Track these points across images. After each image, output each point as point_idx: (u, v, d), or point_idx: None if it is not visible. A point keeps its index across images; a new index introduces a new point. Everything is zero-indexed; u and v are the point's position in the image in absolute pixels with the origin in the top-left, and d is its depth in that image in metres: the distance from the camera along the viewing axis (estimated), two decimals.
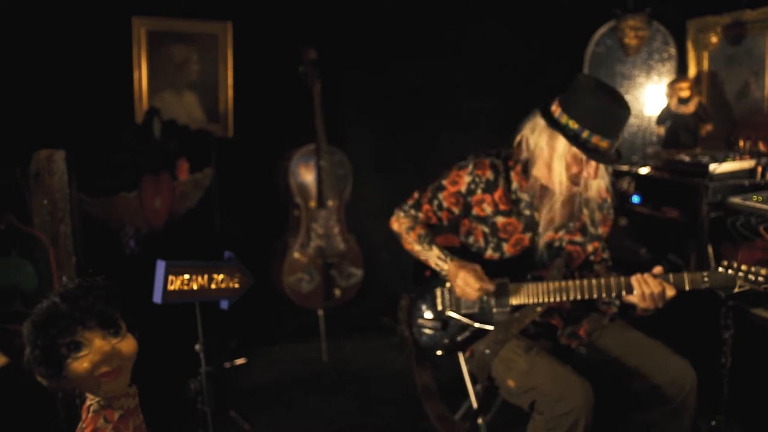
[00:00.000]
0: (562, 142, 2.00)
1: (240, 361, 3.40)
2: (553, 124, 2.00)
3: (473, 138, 3.77)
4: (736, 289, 1.94)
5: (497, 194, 2.14)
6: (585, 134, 1.96)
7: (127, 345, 1.06)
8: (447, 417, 2.30)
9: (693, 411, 2.09)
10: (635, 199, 3.23)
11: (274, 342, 3.69)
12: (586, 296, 2.03)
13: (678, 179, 2.99)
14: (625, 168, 3.35)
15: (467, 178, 2.16)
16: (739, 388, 2.51)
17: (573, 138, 1.97)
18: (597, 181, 2.11)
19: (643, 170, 3.23)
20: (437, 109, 3.98)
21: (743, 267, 1.92)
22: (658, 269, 2.00)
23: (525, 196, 2.14)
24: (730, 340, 2.46)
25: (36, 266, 2.41)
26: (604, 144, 1.97)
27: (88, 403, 1.07)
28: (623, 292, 2.01)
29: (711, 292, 2.53)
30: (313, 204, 3.56)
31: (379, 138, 4.01)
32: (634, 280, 1.98)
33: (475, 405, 2.29)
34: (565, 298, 2.05)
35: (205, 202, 3.40)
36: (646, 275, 1.98)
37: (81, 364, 1.01)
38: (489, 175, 2.14)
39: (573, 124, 1.97)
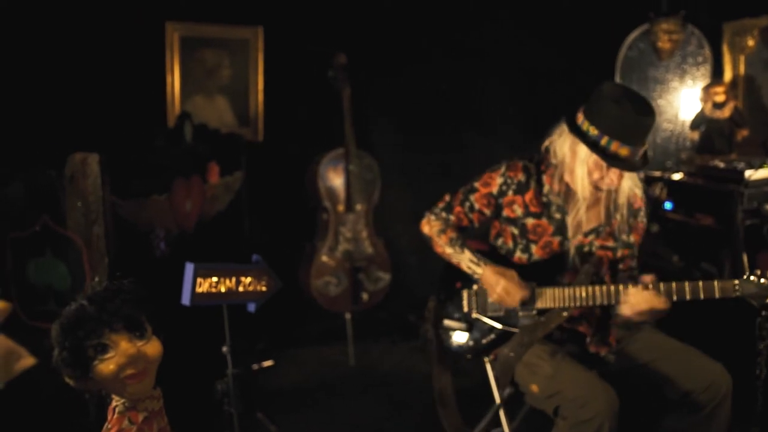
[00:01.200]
0: (583, 149, 2.01)
1: (267, 364, 3.43)
2: (575, 130, 2.02)
3: (501, 142, 3.76)
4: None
5: (528, 196, 2.15)
6: (604, 141, 1.97)
7: (153, 348, 1.08)
8: (461, 426, 2.30)
9: (728, 417, 2.04)
10: (668, 205, 3.18)
11: (301, 345, 3.71)
12: (600, 302, 2.02)
13: (712, 185, 2.94)
14: (657, 174, 3.29)
15: (499, 180, 2.18)
16: None
17: (593, 145, 1.98)
18: (629, 188, 2.10)
19: (676, 176, 3.17)
20: (465, 114, 3.97)
21: None
22: (648, 278, 1.97)
23: (556, 200, 2.13)
24: (766, 351, 2.40)
25: (69, 267, 2.47)
26: (624, 151, 1.96)
27: (113, 404, 1.09)
28: (612, 301, 2.00)
29: (745, 302, 2.48)
30: (341, 208, 3.58)
31: (407, 142, 4.01)
32: (626, 294, 1.96)
33: (502, 414, 2.27)
34: (591, 304, 2.03)
35: (234, 205, 3.44)
36: (641, 288, 1.95)
37: (107, 366, 1.03)
38: (521, 176, 2.15)
39: (593, 131, 1.98)
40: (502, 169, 2.18)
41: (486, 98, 3.97)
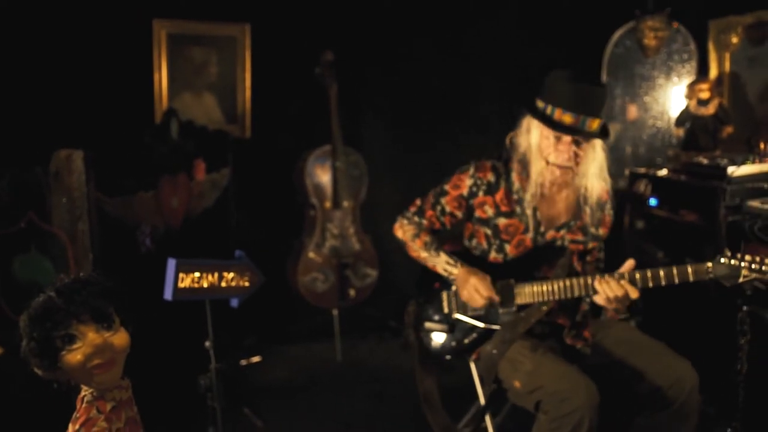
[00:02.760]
0: (534, 125, 2.07)
1: (255, 359, 3.45)
2: (527, 107, 2.09)
3: (490, 139, 3.75)
4: (741, 279, 1.90)
5: (498, 196, 2.17)
6: (549, 110, 2.04)
7: (120, 339, 1.10)
8: (448, 424, 2.32)
9: (696, 414, 2.07)
10: (652, 202, 3.20)
11: (289, 341, 3.73)
12: (577, 294, 2.04)
13: (695, 182, 2.95)
14: (642, 170, 3.31)
15: (469, 181, 2.19)
16: (755, 394, 2.47)
17: (541, 116, 2.04)
18: (599, 181, 2.11)
19: (661, 173, 3.19)
20: (453, 111, 3.98)
21: (747, 257, 1.90)
22: (629, 264, 1.99)
23: (526, 197, 2.15)
24: (746, 346, 2.42)
25: (54, 262, 2.48)
26: (567, 118, 2.01)
27: (82, 394, 1.11)
28: (590, 293, 2.02)
29: (726, 298, 2.50)
30: (328, 204, 3.59)
31: (396, 139, 4.03)
32: (597, 282, 1.98)
33: (486, 411, 2.29)
34: (569, 296, 2.05)
35: (222, 202, 3.45)
36: (608, 277, 1.97)
37: (74, 356, 1.05)
38: (490, 177, 2.17)
39: (540, 104, 2.06)
40: (471, 170, 2.20)
41: (475, 95, 3.98)
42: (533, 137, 2.08)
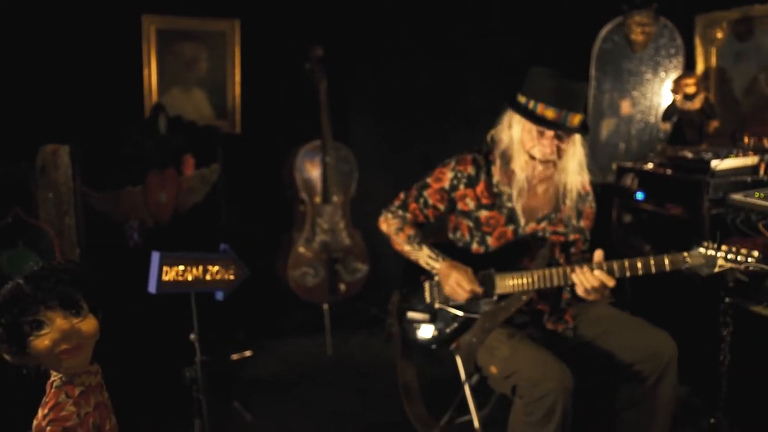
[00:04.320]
0: (517, 120, 2.09)
1: (245, 354, 3.46)
2: (510, 103, 2.12)
3: (479, 134, 3.76)
4: (717, 269, 1.92)
5: (479, 188, 2.20)
6: (531, 104, 2.06)
7: (88, 325, 1.12)
8: (425, 418, 2.35)
9: (675, 387, 2.10)
10: (639, 195, 3.22)
11: (280, 335, 3.75)
12: (556, 284, 2.06)
13: (681, 176, 2.97)
14: (629, 164, 3.33)
15: (450, 174, 2.23)
16: (738, 385, 2.50)
17: (523, 111, 2.07)
18: (579, 173, 2.14)
19: (647, 166, 3.21)
20: (443, 106, 4.00)
21: (724, 247, 1.92)
22: (598, 255, 2.01)
23: (507, 190, 2.17)
24: (729, 338, 2.44)
25: (42, 257, 2.48)
26: (549, 113, 2.04)
27: (51, 379, 1.13)
28: (569, 283, 2.04)
29: (710, 290, 2.52)
30: (318, 199, 3.61)
31: (386, 134, 4.04)
32: (575, 274, 2.00)
33: (469, 397, 2.31)
34: (548, 285, 2.08)
35: (211, 196, 3.47)
36: (585, 268, 1.99)
37: (42, 341, 1.07)
38: (470, 170, 2.20)
39: (523, 99, 2.09)
40: (452, 164, 2.24)
41: (463, 90, 4.00)
42: (515, 132, 2.11)
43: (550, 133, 2.06)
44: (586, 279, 1.97)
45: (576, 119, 2.06)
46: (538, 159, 2.09)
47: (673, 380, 2.09)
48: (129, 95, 3.53)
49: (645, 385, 2.07)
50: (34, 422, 1.13)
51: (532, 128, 2.06)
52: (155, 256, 2.02)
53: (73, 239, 2.45)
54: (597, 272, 1.96)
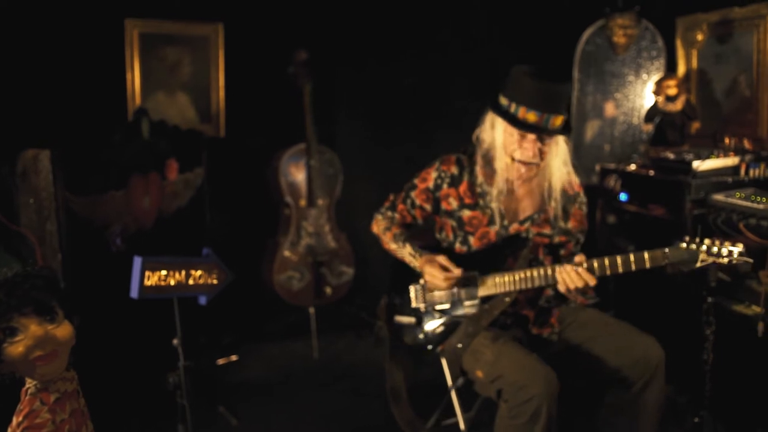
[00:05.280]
0: (499, 122, 2.09)
1: (231, 358, 3.45)
2: (492, 106, 2.12)
3: (464, 136, 3.78)
4: (698, 264, 1.92)
5: (462, 188, 2.21)
6: (513, 108, 2.06)
7: (63, 331, 1.11)
8: (413, 421, 2.35)
9: (662, 393, 2.10)
10: (623, 196, 3.24)
11: (266, 339, 3.74)
12: (538, 284, 2.06)
13: (663, 177, 3.00)
14: (612, 166, 3.36)
15: (434, 174, 2.25)
16: (722, 384, 2.52)
17: (504, 114, 2.06)
18: (562, 173, 2.15)
19: (630, 168, 3.23)
20: (428, 108, 4.01)
21: (706, 241, 1.92)
22: (579, 258, 2.01)
23: (490, 190, 2.18)
24: (712, 337, 2.46)
25: (23, 263, 2.45)
26: (531, 116, 2.03)
27: (26, 386, 1.12)
28: (550, 282, 2.05)
29: (693, 290, 2.54)
30: (303, 203, 3.60)
31: (371, 137, 4.05)
32: (557, 272, 2.01)
33: (455, 400, 2.32)
34: (531, 286, 2.08)
35: (196, 201, 3.45)
36: (568, 267, 1.99)
37: (16, 348, 1.06)
38: (454, 170, 2.21)
39: (504, 102, 2.08)
40: (437, 164, 2.26)
41: (448, 92, 4.01)
42: (497, 134, 2.11)
43: (531, 136, 2.06)
44: (569, 278, 1.97)
45: (558, 120, 2.06)
46: (521, 161, 2.10)
47: (661, 385, 2.09)
48: (112, 100, 3.51)
49: (632, 390, 2.08)
50: (9, 430, 1.12)
51: (514, 131, 2.07)
52: (137, 262, 2.01)
53: (54, 245, 2.42)
54: (580, 270, 1.97)
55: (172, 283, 2.09)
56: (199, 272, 2.16)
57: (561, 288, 2.02)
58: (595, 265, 1.99)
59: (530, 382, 1.91)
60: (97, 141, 3.17)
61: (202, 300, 2.24)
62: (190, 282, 2.14)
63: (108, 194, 2.95)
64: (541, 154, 2.10)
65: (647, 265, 1.95)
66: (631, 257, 1.96)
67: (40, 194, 2.41)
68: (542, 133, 2.06)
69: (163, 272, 2.06)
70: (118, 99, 3.53)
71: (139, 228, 3.09)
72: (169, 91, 3.67)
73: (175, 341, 2.18)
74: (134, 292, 2.03)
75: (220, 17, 3.70)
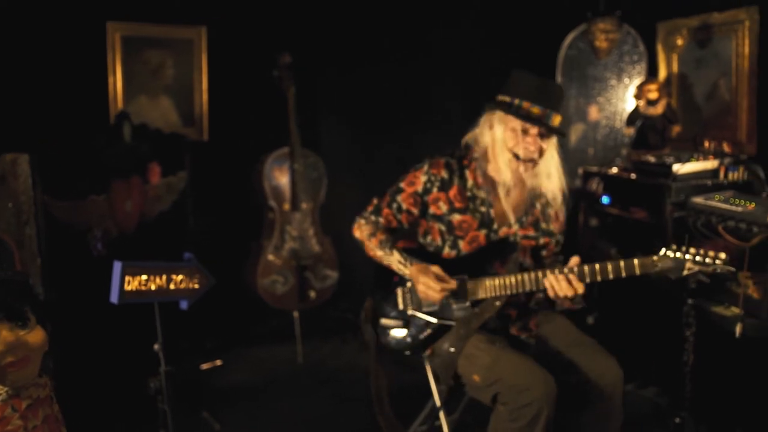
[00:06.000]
0: (499, 118, 2.11)
1: (216, 363, 3.43)
2: (492, 103, 2.14)
3: (448, 138, 3.79)
4: (685, 272, 1.96)
5: (452, 192, 2.20)
6: (516, 101, 2.09)
7: (35, 337, 1.09)
8: (396, 426, 2.35)
9: (620, 411, 2.11)
10: (605, 199, 3.26)
11: (250, 343, 3.72)
12: (529, 288, 2.07)
13: (644, 180, 3.03)
14: (594, 169, 3.38)
15: (423, 178, 2.23)
16: (702, 385, 2.54)
17: (507, 108, 2.09)
18: (554, 178, 2.16)
19: (612, 171, 3.26)
20: (411, 111, 4.02)
21: (692, 250, 1.95)
22: (574, 260, 2.03)
23: (480, 193, 2.19)
24: (692, 338, 2.48)
25: (1, 268, 2.43)
26: (535, 110, 2.07)
27: None
28: (540, 287, 2.06)
29: (673, 291, 2.57)
30: (287, 207, 3.59)
31: (355, 140, 4.05)
32: (546, 279, 2.02)
33: (438, 403, 2.31)
34: (521, 290, 2.09)
35: (179, 205, 3.43)
36: (557, 271, 2.01)
37: None
38: (444, 173, 2.20)
39: (506, 98, 2.11)
40: (425, 167, 2.24)
41: (432, 95, 4.02)
42: (497, 132, 2.11)
43: (534, 130, 2.08)
44: (559, 286, 1.98)
45: (557, 120, 2.11)
46: (522, 158, 2.10)
47: (618, 406, 2.10)
48: (93, 103, 3.48)
49: (595, 406, 2.08)
50: None
51: (516, 126, 2.08)
52: (117, 266, 1.99)
53: (33, 249, 2.39)
54: (570, 276, 1.98)
55: (153, 287, 2.06)
56: (180, 277, 2.14)
57: (549, 293, 2.03)
58: (586, 270, 2.00)
59: (531, 386, 1.92)
60: (78, 145, 3.15)
61: (184, 305, 2.22)
62: (171, 287, 2.12)
63: (89, 198, 2.93)
64: (541, 151, 2.12)
65: (637, 271, 1.98)
66: (621, 264, 1.98)
67: (19, 198, 2.38)
68: (545, 126, 2.08)
69: (144, 277, 2.03)
70: (99, 102, 3.50)
71: (121, 232, 3.07)
72: (151, 94, 3.66)
73: (156, 346, 2.16)
74: (114, 297, 2.00)
75: (204, 20, 3.69)
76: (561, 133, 2.15)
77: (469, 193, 2.20)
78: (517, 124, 2.07)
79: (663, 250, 1.98)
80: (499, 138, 2.10)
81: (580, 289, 1.99)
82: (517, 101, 2.07)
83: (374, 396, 2.39)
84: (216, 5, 3.69)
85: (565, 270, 2.02)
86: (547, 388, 1.93)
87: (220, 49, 3.74)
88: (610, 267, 1.99)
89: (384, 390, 2.39)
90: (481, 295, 2.13)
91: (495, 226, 2.20)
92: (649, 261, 1.97)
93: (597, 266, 2.00)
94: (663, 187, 2.86)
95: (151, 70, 3.63)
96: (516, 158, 2.11)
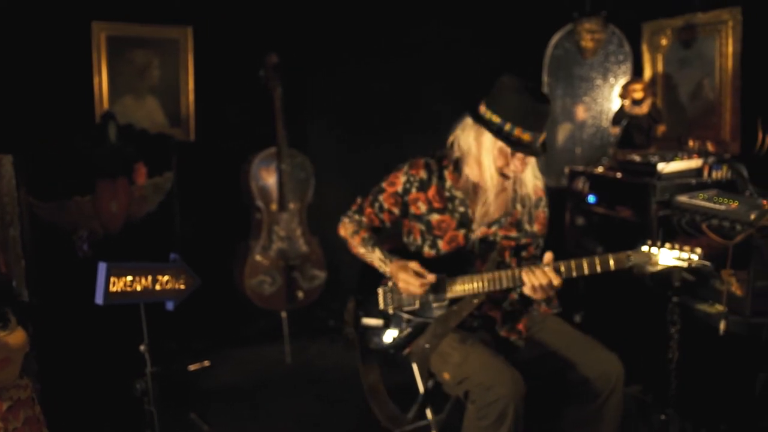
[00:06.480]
0: (488, 138, 2.09)
1: (205, 363, 3.42)
2: (479, 120, 2.10)
3: (436, 140, 3.80)
4: (660, 266, 1.97)
5: (431, 192, 2.22)
6: (507, 127, 2.06)
7: (16, 338, 1.09)
8: (396, 414, 2.35)
9: (620, 407, 2.12)
10: (591, 199, 3.28)
11: (238, 344, 3.71)
12: (506, 286, 2.08)
13: (629, 179, 3.05)
14: (580, 168, 3.40)
15: (403, 178, 2.25)
16: (687, 381, 2.56)
17: (497, 132, 2.06)
18: (532, 179, 2.17)
19: (597, 170, 3.28)
20: (398, 111, 4.03)
21: (667, 245, 1.97)
22: (548, 256, 2.04)
23: (459, 194, 2.20)
24: (677, 336, 2.51)
25: None
26: (526, 136, 2.06)
27: None
28: (517, 284, 2.06)
29: (658, 289, 2.59)
30: (274, 207, 3.59)
31: (342, 140, 4.05)
32: (524, 273, 2.03)
33: (426, 404, 2.32)
34: (498, 288, 2.10)
35: (165, 205, 3.42)
36: (533, 267, 2.02)
37: None
38: (422, 174, 2.22)
39: (496, 119, 2.07)
40: (405, 168, 2.26)
41: (419, 96, 4.03)
42: (485, 148, 2.10)
43: (522, 154, 2.09)
44: (535, 276, 1.99)
45: (543, 137, 2.12)
46: (509, 176, 2.13)
47: (620, 400, 2.11)
48: (78, 104, 3.46)
49: (594, 403, 2.09)
50: None
51: (506, 149, 2.08)
52: (102, 267, 1.97)
53: (18, 251, 2.38)
54: (546, 269, 1.99)
55: (139, 288, 2.05)
56: (166, 277, 2.13)
57: (526, 289, 2.04)
58: (562, 268, 2.02)
59: (497, 383, 1.93)
60: (63, 145, 3.13)
61: (170, 305, 2.21)
62: (157, 287, 2.11)
63: (73, 199, 2.91)
64: (524, 165, 2.13)
65: (612, 267, 1.99)
66: (596, 260, 1.99)
67: (3, 199, 2.36)
68: (534, 153, 2.10)
69: (129, 278, 2.02)
70: (85, 103, 3.48)
71: (107, 233, 3.05)
72: (137, 94, 3.64)
73: (143, 347, 2.15)
74: (99, 299, 1.99)
75: (190, 20, 3.67)
76: (544, 152, 2.16)
77: (447, 194, 2.22)
78: (507, 148, 2.08)
79: (638, 247, 2.00)
80: (486, 155, 2.10)
81: (556, 280, 1.99)
82: (508, 126, 2.04)
83: (367, 391, 2.39)
84: (202, 5, 3.68)
85: (541, 265, 2.03)
86: (514, 386, 1.93)
87: (207, 49, 3.72)
88: (585, 263, 2.00)
89: (377, 383, 2.39)
90: (459, 293, 2.15)
91: (473, 226, 2.21)
92: (623, 256, 1.99)
93: (573, 262, 2.02)
94: (648, 186, 2.89)
95: (137, 70, 3.61)
96: (504, 177, 2.13)
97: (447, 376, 2.08)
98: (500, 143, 2.07)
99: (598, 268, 1.99)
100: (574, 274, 2.01)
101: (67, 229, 2.90)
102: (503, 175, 2.13)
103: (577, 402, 2.12)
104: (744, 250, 2.44)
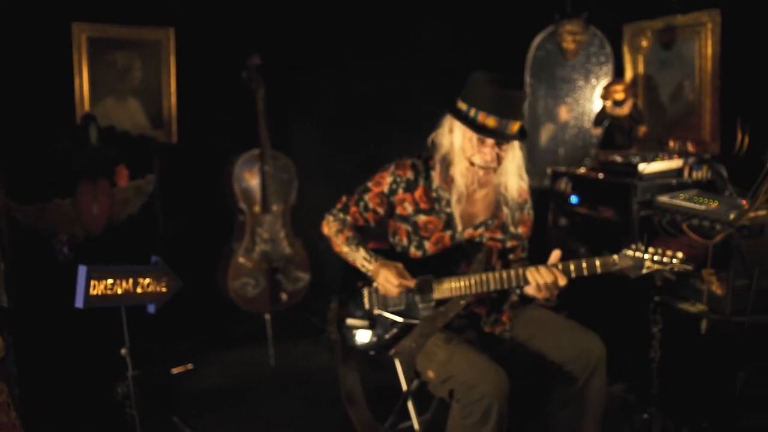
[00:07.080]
0: (458, 126, 2.11)
1: (188, 366, 3.39)
2: (453, 112, 2.13)
3: (420, 140, 3.81)
4: (644, 270, 1.99)
5: (417, 193, 2.21)
6: (472, 112, 2.08)
7: None
8: (370, 423, 2.35)
9: (603, 389, 2.14)
10: (573, 199, 3.31)
11: (222, 347, 3.69)
12: (494, 287, 2.09)
13: (611, 179, 3.08)
14: (562, 169, 3.42)
15: (389, 179, 2.24)
16: (669, 380, 2.59)
17: (464, 119, 2.09)
18: (517, 180, 2.18)
19: (580, 171, 3.30)
20: (381, 113, 4.03)
21: (651, 249, 1.99)
22: (555, 255, 2.05)
23: (445, 195, 2.20)
24: (659, 335, 2.53)
25: None
26: (490, 121, 2.06)
27: None
28: (521, 284, 2.07)
29: (640, 290, 2.61)
30: (257, 209, 3.57)
31: (326, 142, 4.04)
32: (528, 272, 2.03)
33: (410, 404, 2.32)
34: (485, 290, 2.10)
35: (148, 208, 3.39)
36: (538, 266, 2.03)
37: None
38: (409, 174, 2.21)
39: (463, 106, 2.10)
40: (392, 168, 2.26)
41: (402, 97, 4.03)
42: (456, 138, 2.13)
43: (490, 141, 2.09)
44: (540, 275, 2.00)
45: (515, 126, 2.10)
46: (478, 165, 2.12)
47: (602, 380, 2.13)
48: (59, 105, 3.43)
49: (576, 385, 2.11)
50: None
51: (473, 136, 2.09)
52: (81, 270, 1.96)
53: None
54: (553, 269, 2.00)
55: (119, 291, 2.04)
56: (147, 280, 2.12)
57: (531, 289, 2.04)
58: (572, 267, 2.02)
59: (481, 382, 1.93)
60: (43, 148, 3.09)
61: (151, 308, 2.20)
62: (138, 290, 2.10)
63: (53, 202, 2.87)
64: (499, 158, 2.13)
65: (598, 270, 2.01)
66: (583, 263, 2.01)
67: None
68: (501, 138, 2.09)
69: (110, 281, 2.01)
70: (65, 105, 3.45)
71: (88, 236, 3.02)
72: (119, 96, 3.61)
73: (124, 350, 2.13)
74: (79, 302, 1.97)
75: (172, 22, 3.65)
76: (518, 139, 2.15)
77: (434, 194, 2.22)
78: (473, 134, 2.08)
79: (623, 251, 2.01)
80: (457, 145, 2.12)
81: (562, 280, 2.00)
82: (473, 112, 2.06)
83: (344, 396, 2.39)
84: (184, 6, 3.66)
85: (540, 266, 2.03)
86: (498, 383, 1.94)
87: (189, 51, 3.70)
88: (572, 266, 2.02)
89: (356, 388, 2.39)
90: (446, 294, 2.15)
91: (460, 227, 2.22)
92: (610, 260, 2.01)
93: (560, 266, 2.03)
94: (629, 187, 2.92)
95: (118, 72, 3.58)
96: (473, 166, 2.13)
97: (431, 374, 2.08)
98: (468, 131, 2.08)
99: (585, 272, 2.01)
100: (585, 273, 2.02)
101: (47, 232, 2.87)
102: (472, 164, 2.12)
103: (560, 383, 2.13)
104: (724, 249, 2.47)
